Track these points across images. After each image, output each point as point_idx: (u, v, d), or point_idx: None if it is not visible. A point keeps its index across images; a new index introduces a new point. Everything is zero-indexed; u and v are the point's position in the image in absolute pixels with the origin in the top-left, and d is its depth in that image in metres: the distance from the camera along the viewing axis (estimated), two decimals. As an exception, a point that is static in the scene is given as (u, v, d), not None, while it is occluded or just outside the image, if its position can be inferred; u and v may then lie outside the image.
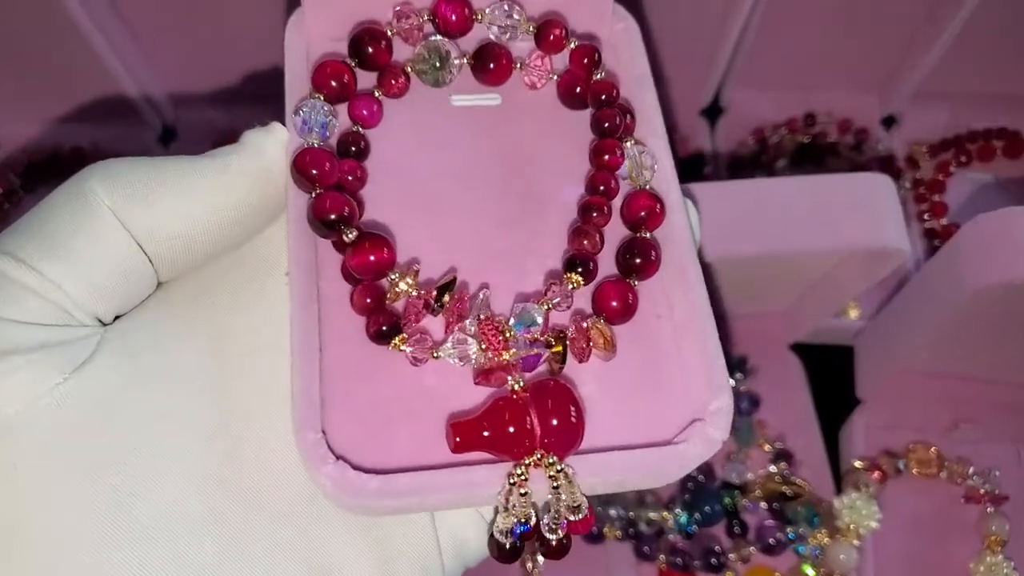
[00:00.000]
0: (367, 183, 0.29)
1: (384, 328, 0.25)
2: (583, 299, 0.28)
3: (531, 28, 0.31)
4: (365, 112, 0.30)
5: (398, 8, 0.31)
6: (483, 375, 0.25)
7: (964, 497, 0.61)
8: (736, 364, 0.66)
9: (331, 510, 0.25)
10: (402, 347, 0.25)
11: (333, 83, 0.29)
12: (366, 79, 0.31)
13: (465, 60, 0.31)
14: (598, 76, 0.31)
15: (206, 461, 0.25)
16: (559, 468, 0.24)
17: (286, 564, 0.24)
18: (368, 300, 0.25)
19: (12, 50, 0.61)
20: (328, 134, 0.29)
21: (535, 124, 0.31)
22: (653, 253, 0.27)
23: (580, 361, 0.26)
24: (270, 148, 0.28)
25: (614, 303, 0.26)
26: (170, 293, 0.28)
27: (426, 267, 0.28)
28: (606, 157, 0.29)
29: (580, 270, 0.27)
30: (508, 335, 0.26)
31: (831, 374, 0.67)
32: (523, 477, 0.24)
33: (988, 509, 0.59)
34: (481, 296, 0.27)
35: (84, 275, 0.25)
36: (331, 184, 0.27)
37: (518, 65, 0.32)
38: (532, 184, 0.30)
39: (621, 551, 0.59)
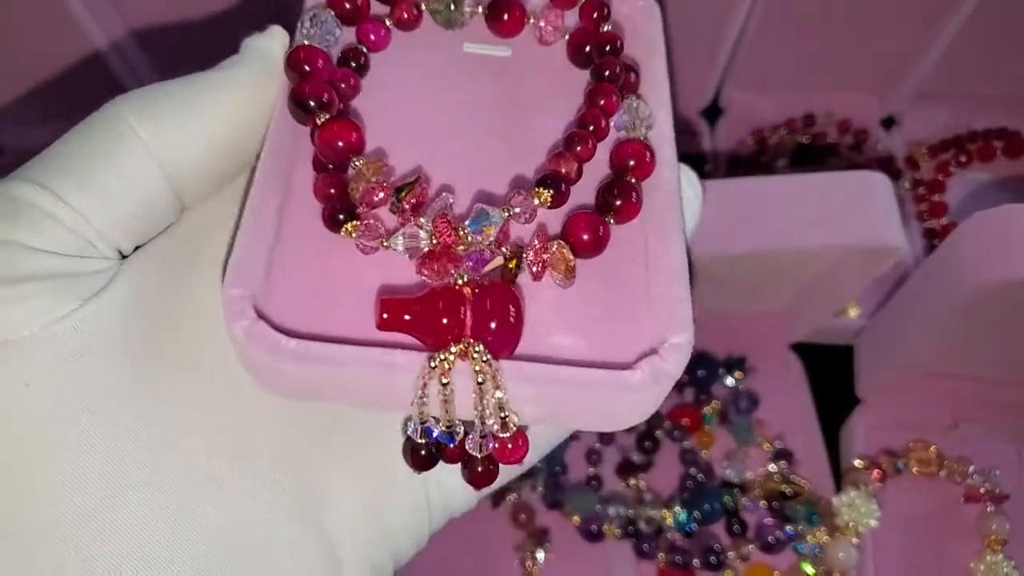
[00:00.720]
0: (360, 98, 0.30)
1: (338, 214, 0.25)
2: (554, 226, 0.28)
3: None
4: (372, 36, 0.31)
5: None
6: (426, 262, 0.24)
7: (964, 496, 0.61)
8: (736, 363, 0.67)
9: (331, 446, 0.26)
10: (353, 234, 0.25)
11: (347, 4, 0.30)
12: (380, 11, 0.32)
13: (480, 9, 0.32)
14: (605, 28, 0.31)
15: (213, 396, 0.25)
16: (486, 359, 0.23)
17: (279, 480, 0.25)
18: (330, 188, 0.25)
19: (15, 55, 0.61)
20: (330, 42, 0.30)
21: (541, 78, 0.32)
22: (634, 195, 0.27)
23: (534, 278, 0.26)
24: (275, 52, 0.28)
25: (584, 235, 0.26)
26: (186, 224, 0.28)
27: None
28: (601, 101, 0.29)
29: (550, 187, 0.27)
30: (461, 232, 0.25)
31: (831, 373, 0.67)
32: (446, 364, 0.23)
33: (988, 508, 0.59)
34: (443, 197, 0.26)
35: (110, 208, 0.25)
36: (320, 80, 0.27)
37: (531, 20, 0.32)
38: (528, 132, 0.30)
39: (621, 550, 0.59)
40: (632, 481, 0.61)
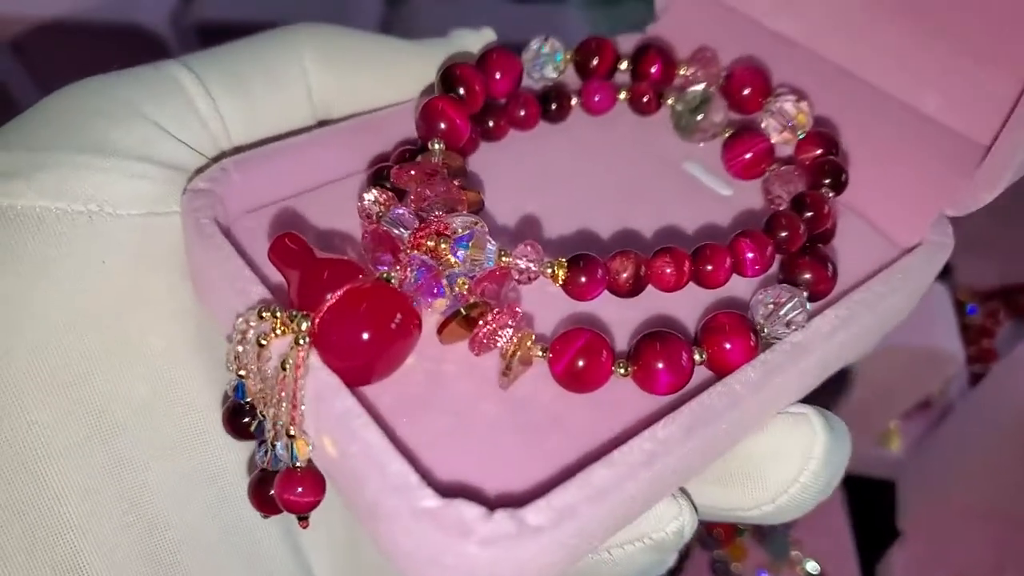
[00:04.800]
0: (522, 138, 0.28)
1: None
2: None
3: (800, 134, 0.27)
4: (596, 97, 0.29)
5: (700, 52, 0.30)
6: (381, 244, 0.20)
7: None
8: None
9: None
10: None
11: (596, 60, 0.29)
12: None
13: (725, 132, 0.28)
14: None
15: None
16: (302, 341, 0.18)
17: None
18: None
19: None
20: (549, 73, 0.28)
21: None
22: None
23: (471, 348, 0.20)
24: (475, 49, 0.28)
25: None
26: None
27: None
28: (751, 261, 0.23)
29: (573, 266, 0.21)
30: (441, 246, 0.20)
31: (873, 505, 0.66)
32: (262, 322, 0.19)
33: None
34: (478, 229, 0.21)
35: (251, 120, 0.25)
36: (475, 100, 0.25)
37: (771, 170, 0.27)
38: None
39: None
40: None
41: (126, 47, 0.25)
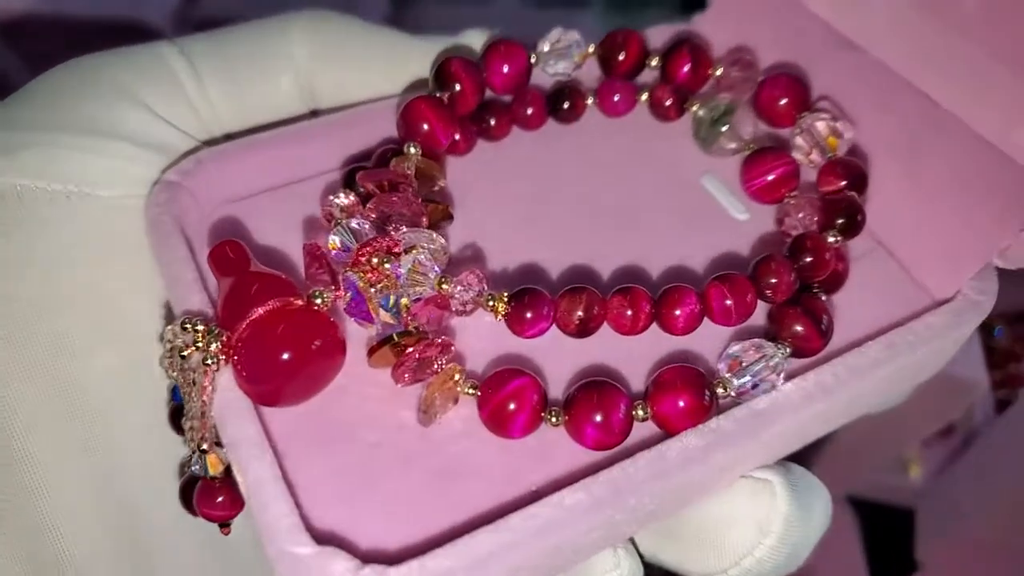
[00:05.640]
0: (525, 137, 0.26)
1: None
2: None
3: (830, 155, 0.24)
4: (617, 97, 0.26)
5: (737, 52, 0.27)
6: (315, 261, 0.19)
7: None
8: None
9: None
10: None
11: (622, 57, 0.26)
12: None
13: (748, 146, 0.25)
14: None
15: None
16: (210, 361, 0.18)
17: None
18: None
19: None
20: (565, 67, 0.26)
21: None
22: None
23: (393, 378, 0.19)
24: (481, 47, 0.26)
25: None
26: None
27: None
28: (730, 302, 0.21)
29: (515, 301, 0.20)
30: (384, 265, 0.19)
31: (889, 532, 0.61)
32: (176, 336, 0.19)
33: None
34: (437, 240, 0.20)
35: (240, 105, 0.24)
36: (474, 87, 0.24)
37: (791, 199, 0.24)
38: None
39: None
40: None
41: (129, 43, 0.25)
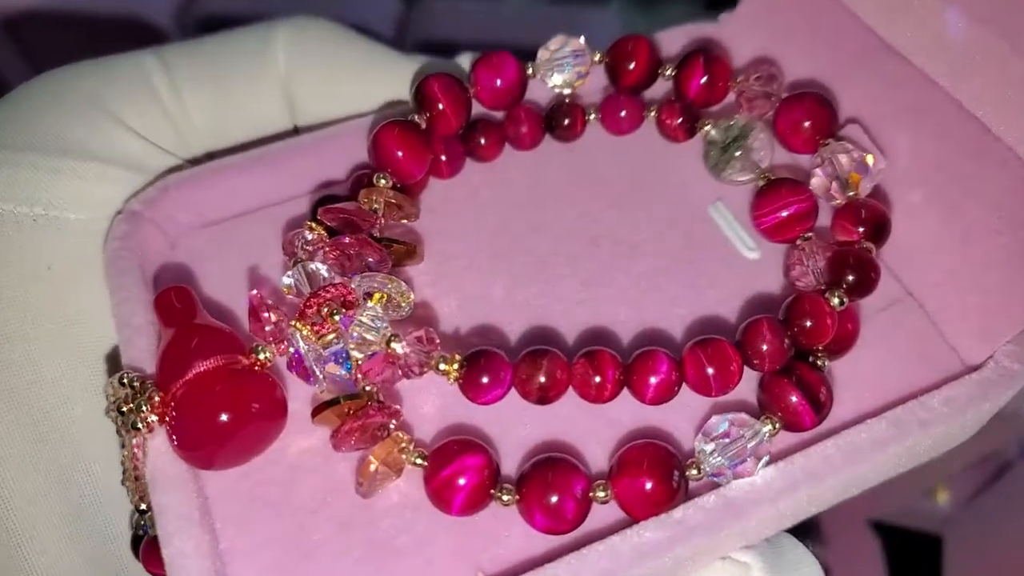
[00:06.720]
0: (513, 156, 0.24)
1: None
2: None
3: (851, 193, 0.21)
4: (623, 112, 0.25)
5: (760, 64, 0.25)
6: (261, 311, 0.18)
7: None
8: (807, 529, 0.58)
9: None
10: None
11: (631, 66, 0.23)
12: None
13: (763, 175, 0.23)
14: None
15: None
16: (140, 426, 0.17)
17: None
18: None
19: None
20: (568, 79, 0.24)
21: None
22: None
23: (334, 446, 0.18)
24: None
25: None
26: None
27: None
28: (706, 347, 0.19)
29: (469, 365, 0.18)
30: (334, 318, 0.18)
31: (915, 559, 0.57)
32: (111, 391, 0.18)
33: None
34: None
35: (220, 116, 0.24)
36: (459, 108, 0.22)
37: (803, 241, 0.21)
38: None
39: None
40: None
41: (131, 40, 0.24)
